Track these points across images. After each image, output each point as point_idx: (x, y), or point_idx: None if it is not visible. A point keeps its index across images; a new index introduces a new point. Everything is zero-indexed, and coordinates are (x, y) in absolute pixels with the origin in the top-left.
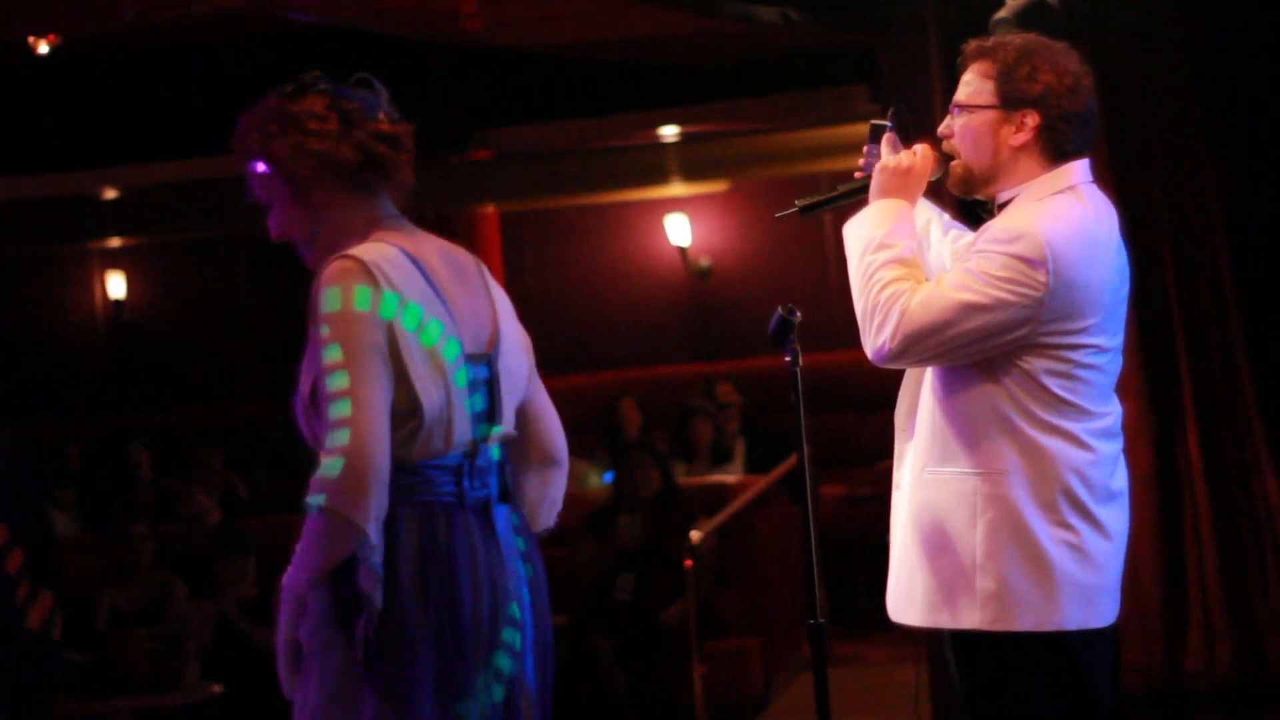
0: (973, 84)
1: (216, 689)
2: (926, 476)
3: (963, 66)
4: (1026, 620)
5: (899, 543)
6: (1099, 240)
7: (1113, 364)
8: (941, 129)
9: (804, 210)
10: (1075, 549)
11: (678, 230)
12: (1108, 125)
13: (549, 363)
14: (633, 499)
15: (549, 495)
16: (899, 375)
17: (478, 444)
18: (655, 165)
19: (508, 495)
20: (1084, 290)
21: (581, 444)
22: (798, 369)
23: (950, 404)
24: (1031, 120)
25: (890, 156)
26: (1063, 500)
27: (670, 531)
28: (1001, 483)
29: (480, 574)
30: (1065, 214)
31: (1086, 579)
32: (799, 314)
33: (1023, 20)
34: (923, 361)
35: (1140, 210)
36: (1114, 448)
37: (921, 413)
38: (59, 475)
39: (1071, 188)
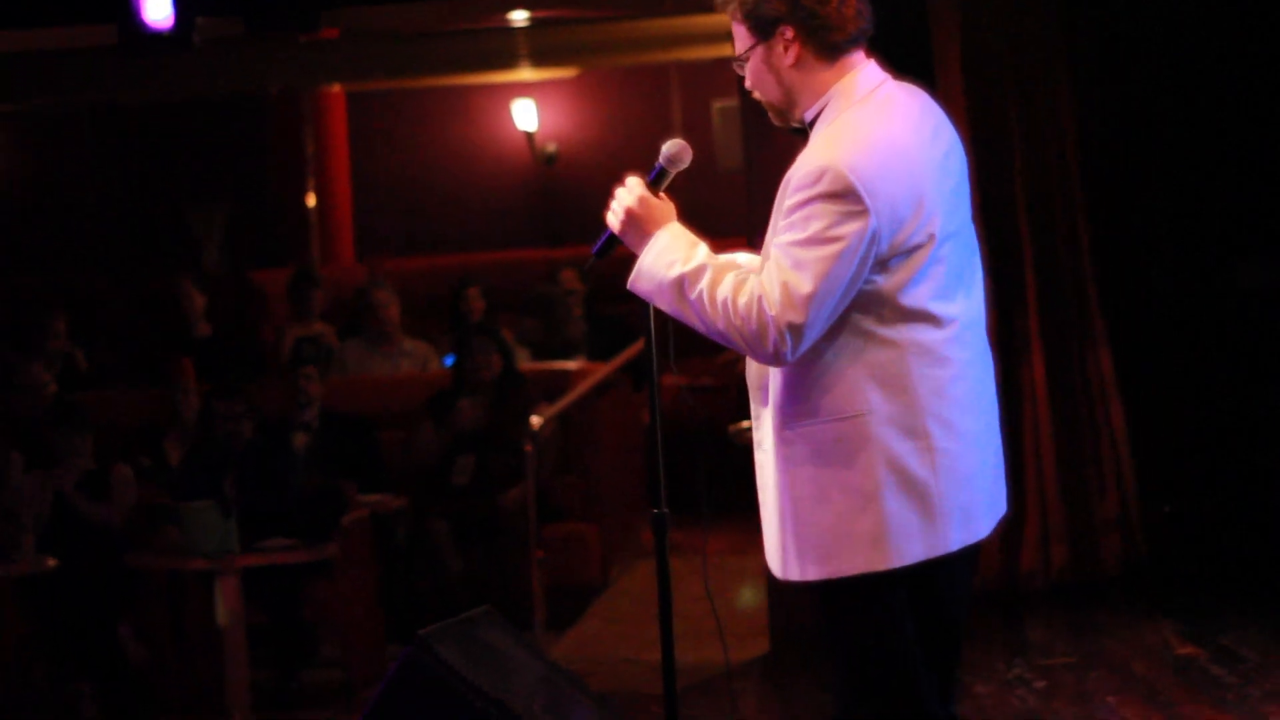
0: (735, 34)
1: (51, 562)
2: (788, 434)
3: (729, 24)
4: (915, 549)
5: (771, 503)
6: (901, 143)
7: (953, 253)
8: (746, 83)
9: (599, 255)
10: (951, 470)
11: (525, 115)
12: (962, 36)
13: (393, 244)
14: (474, 383)
15: None
16: None
17: None
18: (504, 49)
19: None
20: (901, 197)
21: (424, 327)
22: None
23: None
24: (789, 32)
25: (609, 215)
26: (932, 424)
27: (511, 416)
28: (866, 424)
29: None
30: (856, 132)
31: (965, 497)
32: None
33: None
34: (818, 336)
35: (993, 120)
36: (971, 353)
37: (772, 371)
38: None
39: (861, 100)
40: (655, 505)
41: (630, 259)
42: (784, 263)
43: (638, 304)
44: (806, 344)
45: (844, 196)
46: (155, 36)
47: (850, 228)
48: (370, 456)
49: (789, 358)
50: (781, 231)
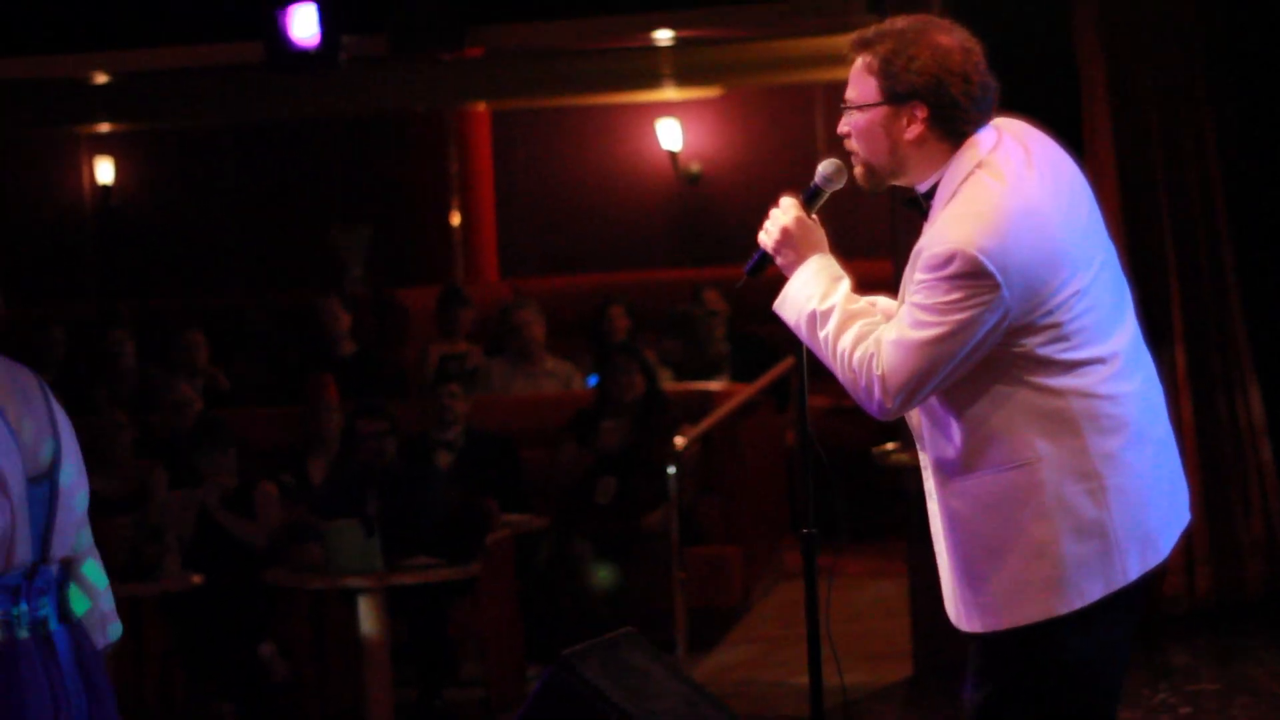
0: (858, 80)
1: (196, 579)
2: (953, 487)
3: (850, 59)
4: (1095, 588)
5: (943, 555)
6: (1027, 206)
7: (1102, 290)
8: (840, 128)
9: (751, 274)
10: (1124, 505)
11: (669, 135)
12: (1107, 61)
13: (536, 263)
14: (617, 403)
15: (97, 609)
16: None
17: (37, 565)
18: (648, 68)
19: (67, 616)
20: (1037, 264)
21: (567, 347)
22: None
23: (958, 409)
24: (921, 112)
25: (763, 235)
26: (1101, 464)
27: (654, 437)
28: (1035, 471)
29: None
30: (982, 205)
31: (1142, 526)
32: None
33: None
34: (928, 399)
35: (1136, 136)
36: (1134, 380)
37: (930, 420)
38: (41, 360)
39: (980, 164)
40: (803, 525)
41: (777, 280)
42: (904, 323)
43: (781, 325)
44: (911, 405)
45: (975, 276)
46: (301, 55)
47: (979, 303)
48: (512, 476)
49: (891, 415)
50: (912, 294)
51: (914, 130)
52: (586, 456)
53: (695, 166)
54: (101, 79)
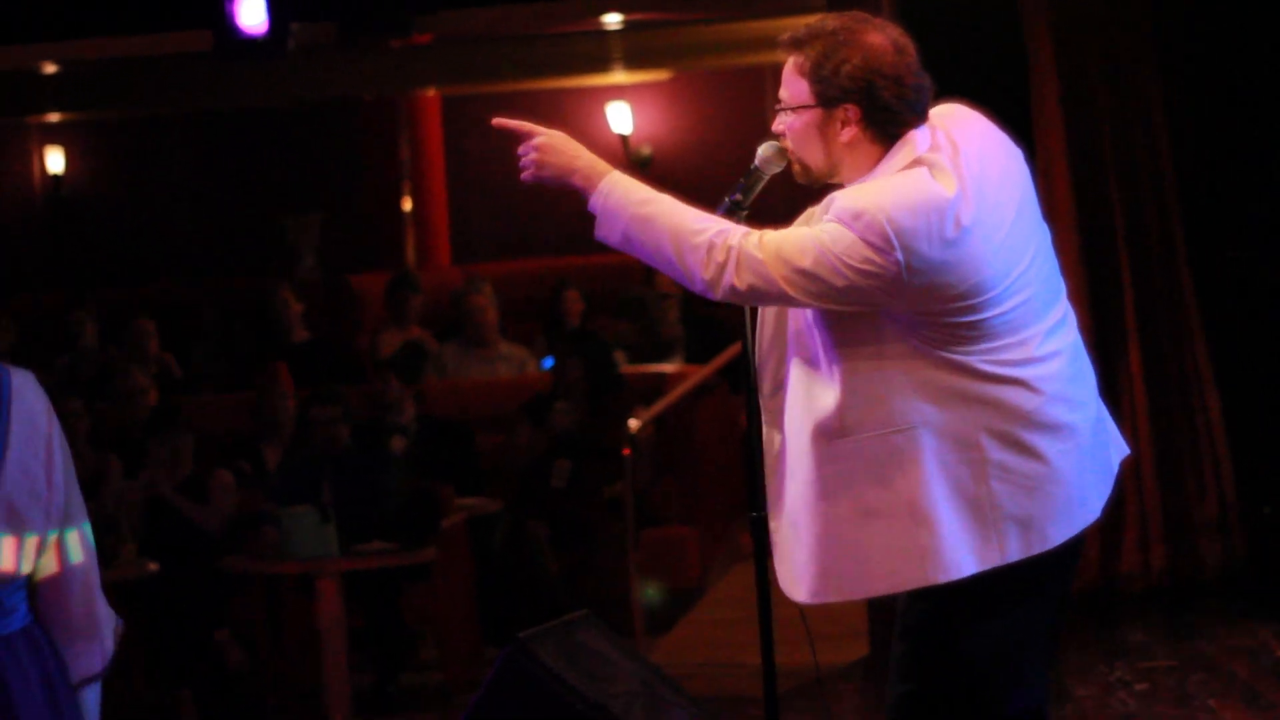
0: (790, 80)
1: (152, 567)
2: (835, 449)
3: (782, 57)
4: (968, 563)
5: (799, 524)
6: (954, 211)
7: (1028, 287)
8: (775, 126)
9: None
10: (1006, 482)
11: (619, 118)
12: (1056, 45)
13: (489, 248)
14: (570, 386)
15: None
16: None
17: None
18: (598, 52)
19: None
20: (948, 268)
21: (522, 331)
22: None
23: (847, 366)
24: (852, 114)
25: (534, 172)
26: (986, 437)
27: (608, 419)
28: (919, 436)
29: None
30: (911, 187)
31: (1027, 508)
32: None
33: None
34: (771, 294)
35: (1084, 118)
36: (1046, 371)
37: (808, 379)
38: None
39: (918, 160)
40: (754, 508)
41: None
42: (791, 236)
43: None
44: (739, 302)
45: (878, 247)
46: (250, 42)
47: (871, 272)
48: (467, 460)
49: (732, 291)
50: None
51: (847, 133)
52: (541, 439)
53: (646, 149)
54: (50, 69)
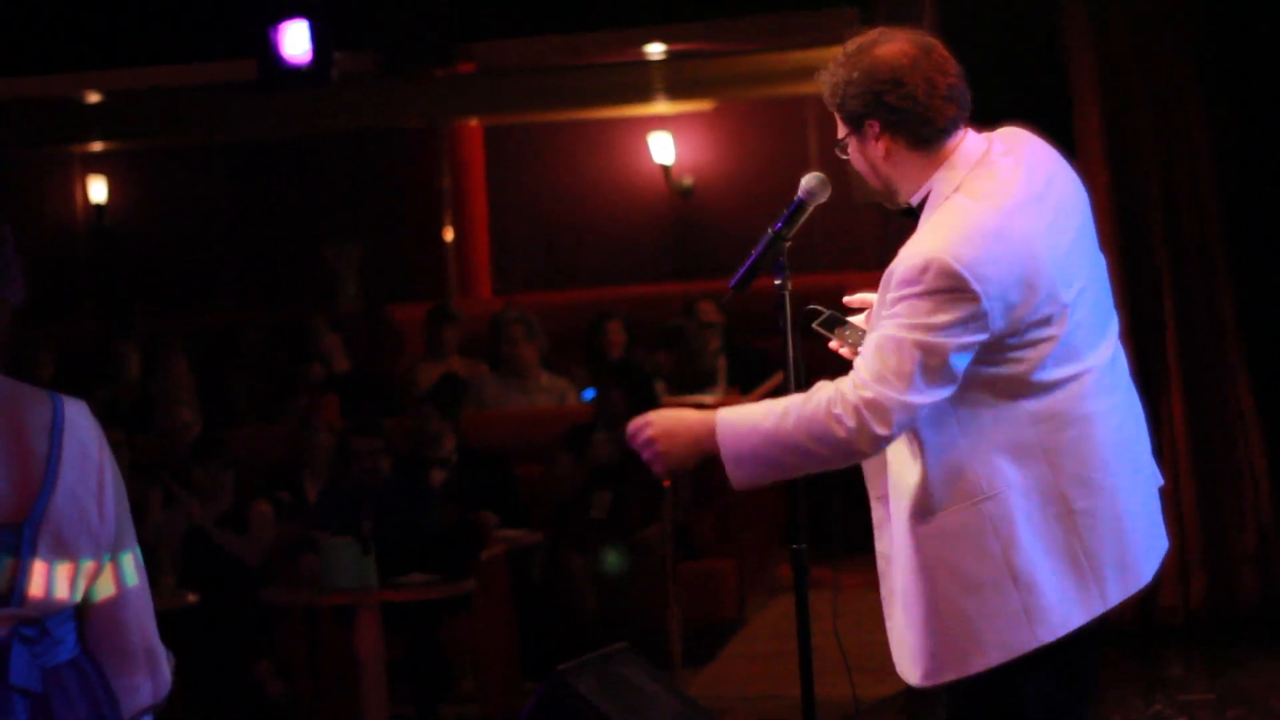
0: (836, 119)
1: (191, 598)
2: (931, 527)
3: None
4: (1075, 616)
5: (911, 606)
6: (1004, 225)
7: (1084, 307)
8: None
9: (736, 289)
10: (1094, 528)
11: (661, 148)
12: (1098, 67)
13: (530, 279)
14: (612, 417)
15: (125, 703)
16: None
17: None
18: (640, 83)
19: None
20: (1013, 282)
21: (563, 361)
22: (786, 291)
23: (924, 439)
24: (875, 128)
25: (660, 461)
26: (1070, 487)
27: None
28: (1006, 501)
29: None
30: (956, 220)
31: (1118, 549)
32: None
33: None
34: (912, 413)
35: (1126, 138)
36: (1109, 397)
37: (897, 459)
38: (32, 381)
39: (959, 187)
40: (794, 541)
41: (770, 292)
42: (883, 346)
43: (778, 337)
44: (899, 425)
45: (954, 290)
46: (294, 72)
47: (956, 313)
48: (507, 491)
49: (885, 437)
50: (888, 317)
51: (880, 147)
52: (581, 471)
53: (688, 180)
54: (94, 98)
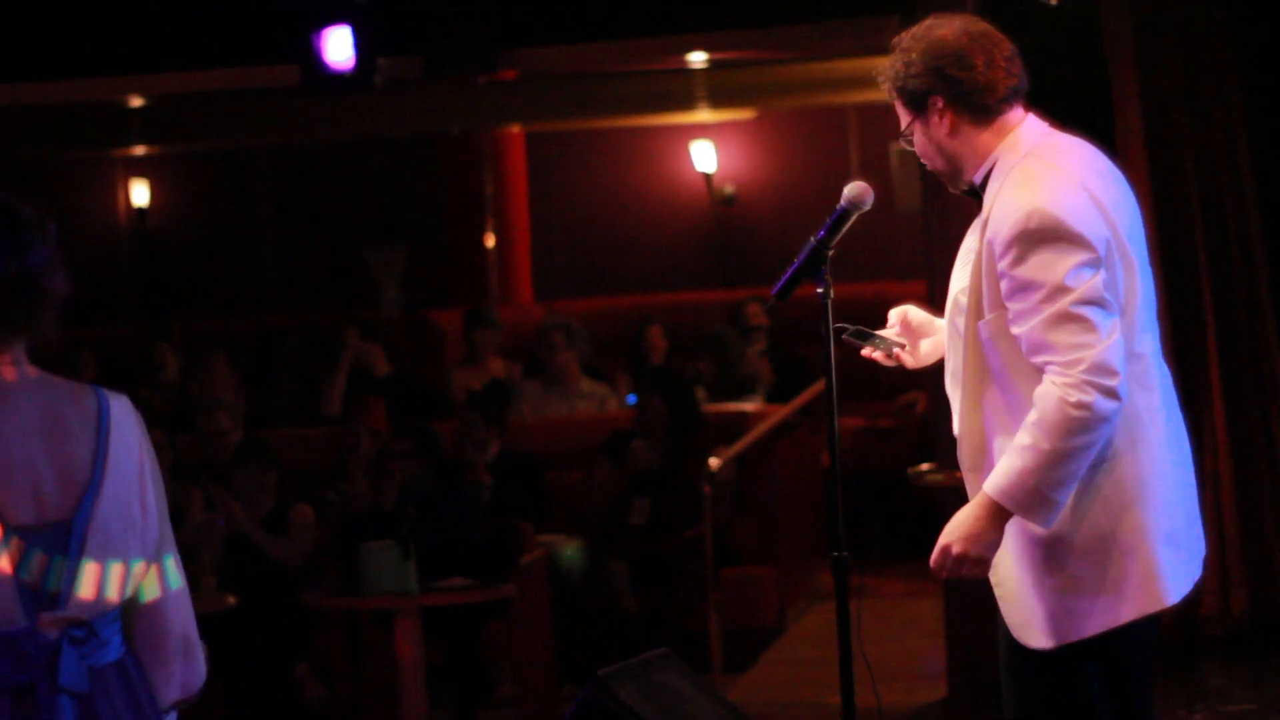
0: (899, 111)
1: (231, 600)
2: None
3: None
4: (1175, 590)
5: (1025, 573)
6: (1085, 182)
7: (1144, 287)
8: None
9: (780, 296)
10: (1175, 507)
11: (703, 157)
12: (1137, 54)
13: (571, 285)
14: (652, 423)
15: (163, 695)
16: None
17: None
18: (682, 91)
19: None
20: (1099, 235)
21: (602, 367)
22: (829, 300)
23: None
24: (939, 104)
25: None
26: (1158, 464)
27: (688, 457)
28: (1114, 470)
29: None
30: (1037, 179)
31: (1192, 537)
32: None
33: None
34: (1116, 360)
35: (1168, 140)
36: (1154, 399)
37: (998, 442)
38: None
39: (1027, 155)
40: (835, 548)
41: (811, 299)
42: (1049, 327)
43: (820, 345)
44: (1120, 366)
45: (1059, 235)
46: (336, 77)
47: (1075, 257)
48: (540, 496)
49: (1117, 387)
50: (1009, 297)
51: (945, 123)
52: (621, 477)
53: (729, 188)
54: (137, 102)
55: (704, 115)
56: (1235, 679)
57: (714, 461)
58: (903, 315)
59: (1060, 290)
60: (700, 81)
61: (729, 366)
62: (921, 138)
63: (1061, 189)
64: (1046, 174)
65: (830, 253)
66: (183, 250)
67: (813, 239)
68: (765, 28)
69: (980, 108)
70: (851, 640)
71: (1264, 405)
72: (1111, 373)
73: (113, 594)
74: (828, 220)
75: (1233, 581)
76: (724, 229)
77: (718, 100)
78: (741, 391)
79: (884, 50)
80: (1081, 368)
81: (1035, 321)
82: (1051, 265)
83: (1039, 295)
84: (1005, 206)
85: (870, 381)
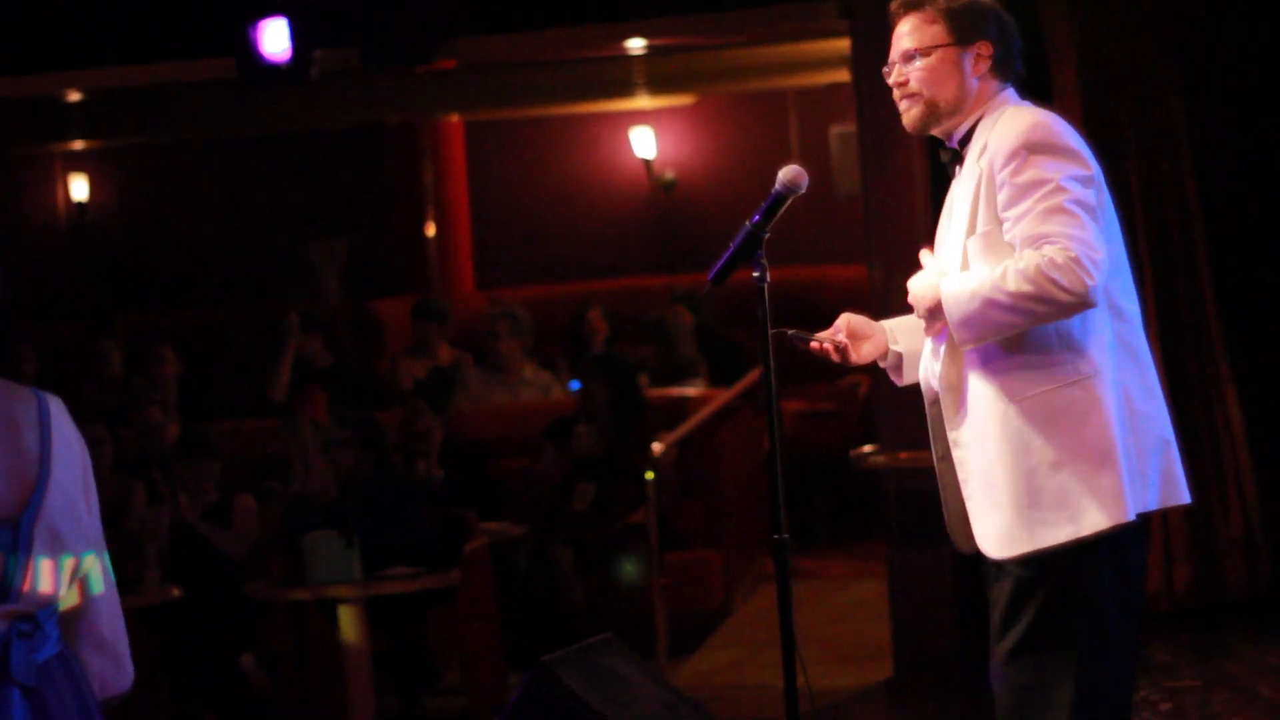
0: (920, 30)
1: (176, 592)
2: (1017, 407)
3: (895, 21)
4: (1133, 506)
5: (995, 484)
6: (1072, 131)
7: (1120, 252)
8: (894, 79)
9: (716, 281)
10: (1149, 429)
11: (643, 143)
12: (1080, 48)
13: (513, 273)
14: (594, 409)
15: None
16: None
17: None
18: (621, 77)
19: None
20: (1092, 173)
21: (544, 354)
22: (765, 284)
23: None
24: (986, 50)
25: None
26: (1133, 388)
27: (631, 442)
28: (1095, 386)
29: None
30: (1032, 112)
31: (1163, 463)
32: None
33: None
34: (1099, 251)
35: (1108, 132)
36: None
37: (975, 358)
38: (14, 378)
39: (1017, 105)
40: (775, 531)
41: (746, 285)
42: (1048, 217)
43: (756, 329)
44: (1101, 270)
45: (1059, 148)
46: (273, 69)
47: (1074, 169)
48: (483, 480)
49: (1095, 285)
50: (1009, 206)
51: (981, 67)
52: (564, 463)
53: (670, 174)
54: (75, 96)
55: (643, 101)
56: (1180, 655)
57: (657, 446)
58: (847, 321)
59: (1058, 189)
60: (639, 68)
61: (669, 351)
62: (948, 64)
63: (1058, 120)
64: (1041, 110)
65: (766, 236)
66: (123, 244)
67: (748, 223)
68: (704, 13)
69: (1005, 74)
70: (790, 621)
71: (1206, 388)
72: (1094, 266)
73: (61, 588)
74: (763, 204)
75: (1176, 559)
76: (665, 215)
77: (657, 86)
78: (682, 375)
79: (822, 34)
80: (1073, 248)
81: (1031, 216)
82: (1051, 170)
83: (1037, 194)
84: (1007, 128)
85: (810, 365)
